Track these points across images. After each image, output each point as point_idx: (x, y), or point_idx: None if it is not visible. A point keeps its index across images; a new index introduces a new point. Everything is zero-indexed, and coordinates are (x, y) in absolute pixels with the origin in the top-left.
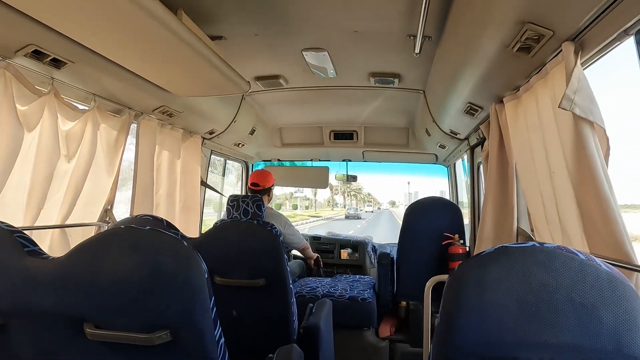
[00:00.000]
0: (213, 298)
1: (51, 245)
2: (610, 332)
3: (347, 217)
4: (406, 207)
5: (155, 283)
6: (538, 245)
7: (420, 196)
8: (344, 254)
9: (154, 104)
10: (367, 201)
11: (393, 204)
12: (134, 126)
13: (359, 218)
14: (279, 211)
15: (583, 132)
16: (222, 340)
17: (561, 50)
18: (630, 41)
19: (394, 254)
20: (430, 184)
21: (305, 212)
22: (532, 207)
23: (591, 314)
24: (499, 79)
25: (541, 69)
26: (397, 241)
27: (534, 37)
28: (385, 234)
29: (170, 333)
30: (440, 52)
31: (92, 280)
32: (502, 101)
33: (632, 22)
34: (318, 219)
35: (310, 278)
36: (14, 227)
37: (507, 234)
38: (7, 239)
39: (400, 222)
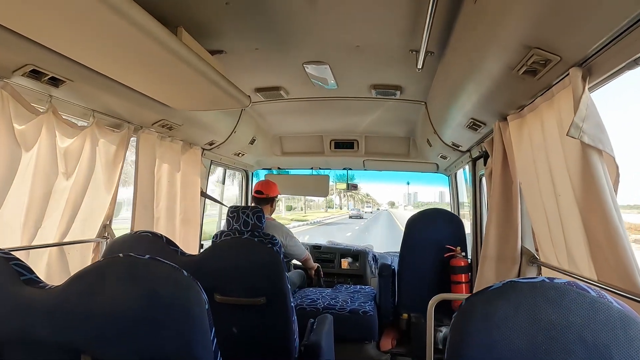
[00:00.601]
0: (214, 329)
1: (49, 263)
2: None
3: (350, 217)
4: (405, 207)
5: (153, 314)
6: (548, 281)
7: (420, 197)
8: (345, 263)
9: (154, 118)
10: (365, 202)
11: (392, 204)
12: (133, 140)
13: (361, 217)
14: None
15: (591, 160)
16: None
17: (568, 74)
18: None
19: (395, 264)
20: (430, 185)
21: (289, 214)
22: (537, 228)
23: (603, 354)
24: (502, 98)
25: (547, 91)
26: (396, 245)
27: (541, 62)
28: (382, 233)
29: None
30: (442, 67)
31: (89, 311)
32: (505, 119)
33: None
34: (301, 223)
35: (311, 289)
36: (11, 254)
37: (511, 253)
38: (3, 267)
39: (398, 223)
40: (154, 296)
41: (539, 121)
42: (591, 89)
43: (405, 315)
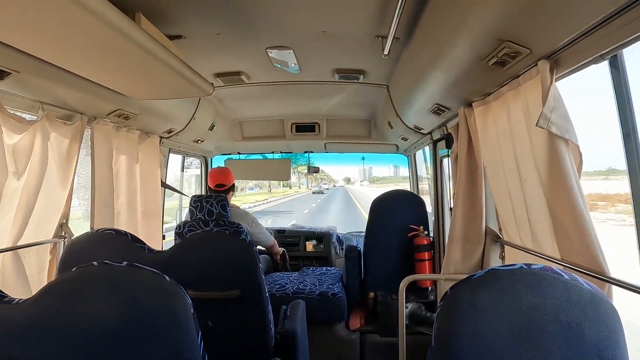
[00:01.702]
0: (200, 332)
1: (2, 270)
2: (593, 349)
3: (314, 193)
4: (361, 183)
5: (137, 325)
6: (525, 267)
7: (375, 173)
8: (309, 246)
9: (109, 108)
10: (321, 179)
11: (348, 180)
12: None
13: (322, 193)
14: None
15: (558, 148)
16: None
17: (535, 65)
18: (605, 64)
19: (360, 244)
20: (385, 160)
21: (255, 194)
22: (501, 209)
23: (576, 332)
24: (469, 86)
25: (513, 80)
26: (352, 214)
27: (511, 54)
28: (340, 200)
29: None
30: (407, 53)
31: (65, 326)
32: (471, 105)
33: (609, 48)
34: (274, 198)
35: (277, 274)
36: None
37: (476, 234)
38: None
39: (353, 197)
40: (136, 306)
41: (505, 109)
42: (557, 79)
43: (372, 294)
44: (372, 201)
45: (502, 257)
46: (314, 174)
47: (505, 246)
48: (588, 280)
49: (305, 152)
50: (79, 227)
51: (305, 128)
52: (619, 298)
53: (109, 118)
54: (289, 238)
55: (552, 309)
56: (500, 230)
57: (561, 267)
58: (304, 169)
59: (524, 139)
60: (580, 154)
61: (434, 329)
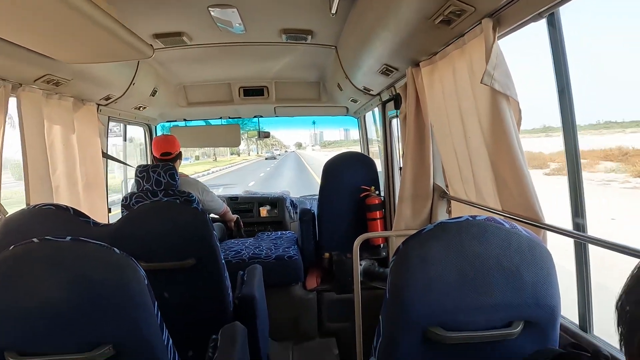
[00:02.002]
0: (156, 304)
1: None
2: (530, 288)
3: (266, 159)
4: (313, 147)
5: (88, 301)
6: (471, 219)
7: (326, 137)
8: (263, 211)
9: (36, 73)
10: (272, 145)
11: (299, 145)
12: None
13: (275, 158)
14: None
15: (500, 105)
16: (171, 342)
17: (479, 24)
18: (543, 22)
19: (314, 207)
20: (335, 124)
21: (200, 164)
22: (447, 166)
23: (516, 275)
24: (416, 45)
25: (459, 39)
26: (307, 184)
27: (457, 12)
28: (292, 166)
29: (114, 347)
30: (355, 12)
31: (9, 308)
32: (418, 65)
33: (547, 7)
34: (224, 167)
35: (232, 240)
36: None
37: (425, 190)
38: None
39: (305, 162)
40: (84, 281)
41: (451, 68)
42: (499, 38)
43: (327, 255)
44: (323, 164)
45: (449, 212)
46: (265, 140)
47: (452, 201)
48: (526, 228)
49: (255, 116)
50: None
51: (253, 92)
52: (552, 244)
53: (37, 84)
54: (242, 205)
55: (495, 256)
56: (447, 186)
57: (502, 218)
58: (254, 135)
59: (468, 97)
60: (520, 110)
61: (388, 283)
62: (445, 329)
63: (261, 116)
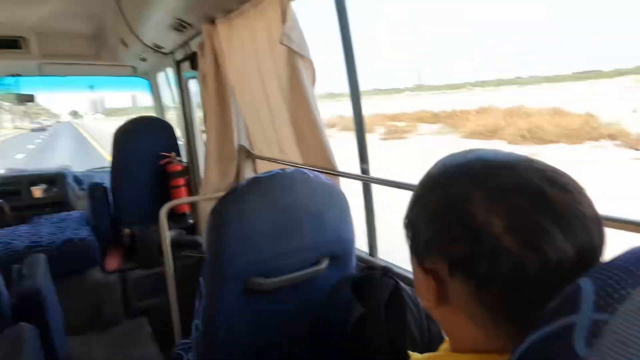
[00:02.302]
0: None
1: None
2: (332, 227)
3: (33, 130)
4: (95, 117)
5: None
6: (281, 172)
7: (108, 103)
8: (38, 192)
9: None
10: (36, 114)
11: (75, 114)
12: None
13: (45, 130)
14: None
15: (297, 65)
16: None
17: None
18: None
19: (106, 180)
20: (121, 87)
21: None
22: (251, 126)
23: (321, 218)
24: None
25: None
26: (91, 157)
27: None
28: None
29: None
30: None
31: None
32: (214, 22)
33: None
34: None
35: None
36: None
37: (230, 152)
38: None
39: (88, 136)
40: None
41: (249, 28)
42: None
43: (127, 231)
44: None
45: (255, 171)
46: (26, 105)
47: (257, 160)
48: (326, 176)
49: (12, 75)
50: None
51: (6, 44)
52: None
53: None
54: (6, 186)
55: (303, 204)
56: (251, 146)
57: (306, 169)
58: (12, 98)
59: (267, 57)
60: (314, 70)
61: (207, 243)
62: (265, 277)
63: (20, 74)
